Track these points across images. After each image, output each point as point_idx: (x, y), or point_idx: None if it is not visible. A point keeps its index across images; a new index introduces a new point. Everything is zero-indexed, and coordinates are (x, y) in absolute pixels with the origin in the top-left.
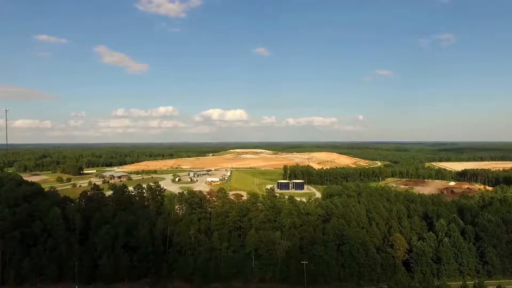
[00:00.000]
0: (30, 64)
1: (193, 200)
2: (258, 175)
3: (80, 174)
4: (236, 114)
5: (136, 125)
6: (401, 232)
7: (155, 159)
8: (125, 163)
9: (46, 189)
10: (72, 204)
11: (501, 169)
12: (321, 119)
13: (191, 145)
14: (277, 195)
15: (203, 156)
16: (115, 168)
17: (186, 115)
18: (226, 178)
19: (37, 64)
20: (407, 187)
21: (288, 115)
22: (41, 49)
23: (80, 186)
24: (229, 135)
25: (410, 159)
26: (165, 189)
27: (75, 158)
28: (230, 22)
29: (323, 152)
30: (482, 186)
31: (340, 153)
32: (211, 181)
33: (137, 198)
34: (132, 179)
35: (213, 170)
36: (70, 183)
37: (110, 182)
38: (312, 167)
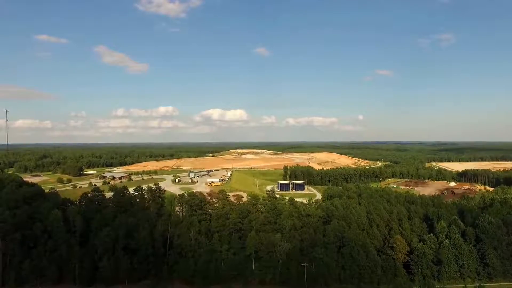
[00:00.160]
0: (30, 64)
1: (194, 201)
2: (258, 175)
3: (81, 174)
4: (236, 114)
5: (136, 125)
6: (401, 234)
7: (155, 160)
8: (126, 164)
9: (46, 191)
10: (73, 206)
11: (501, 169)
12: (321, 119)
13: (191, 145)
14: (278, 196)
15: (203, 156)
16: (115, 168)
17: (186, 115)
18: (226, 179)
19: (37, 64)
20: (407, 187)
21: (288, 115)
22: (41, 49)
23: (80, 187)
24: (229, 135)
25: (411, 159)
26: (165, 190)
27: (75, 159)
28: (230, 22)
29: (324, 153)
30: (482, 187)
31: (340, 153)
32: (212, 182)
33: (138, 200)
34: (132, 180)
35: (213, 170)
36: (70, 184)
37: (110, 183)
38: (312, 167)
